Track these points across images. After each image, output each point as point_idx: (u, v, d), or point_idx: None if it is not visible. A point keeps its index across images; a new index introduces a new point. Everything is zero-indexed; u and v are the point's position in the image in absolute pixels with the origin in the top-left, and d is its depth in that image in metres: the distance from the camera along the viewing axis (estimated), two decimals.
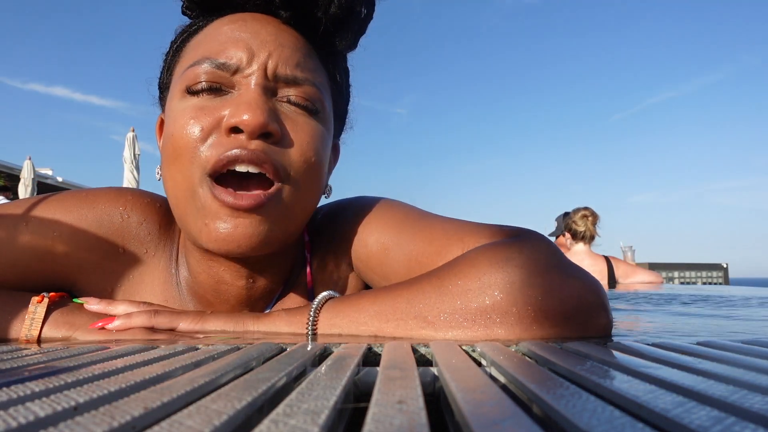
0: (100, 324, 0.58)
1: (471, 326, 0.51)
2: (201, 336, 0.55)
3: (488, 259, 0.54)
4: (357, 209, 0.72)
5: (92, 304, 0.62)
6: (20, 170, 9.20)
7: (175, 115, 0.61)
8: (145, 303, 0.64)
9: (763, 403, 0.23)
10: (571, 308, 0.52)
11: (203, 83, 0.59)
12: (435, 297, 0.53)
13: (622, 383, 0.28)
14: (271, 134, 0.58)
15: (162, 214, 0.71)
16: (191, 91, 0.60)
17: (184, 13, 0.69)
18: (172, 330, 0.58)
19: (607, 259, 3.65)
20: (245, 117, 0.56)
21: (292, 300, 0.71)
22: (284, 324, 0.57)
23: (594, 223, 3.71)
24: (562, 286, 0.53)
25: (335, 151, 0.75)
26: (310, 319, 0.56)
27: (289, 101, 0.61)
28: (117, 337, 0.56)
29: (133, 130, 8.39)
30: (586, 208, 3.79)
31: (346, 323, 0.55)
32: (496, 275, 0.52)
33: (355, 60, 0.76)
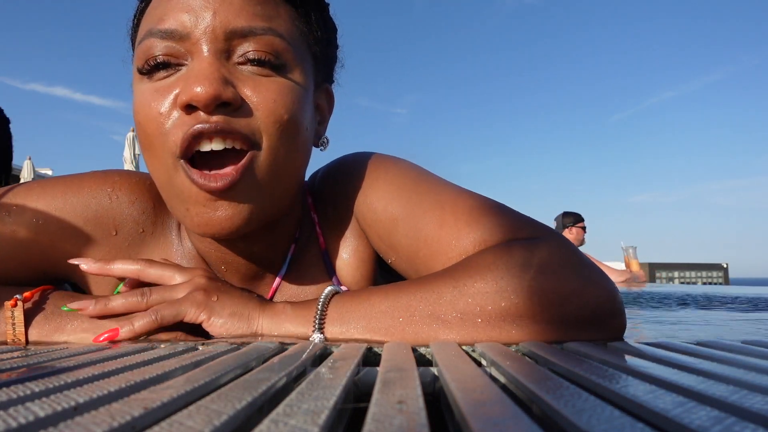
0: (104, 337, 0.55)
1: (485, 328, 0.50)
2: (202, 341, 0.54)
3: (506, 262, 0.53)
4: (360, 167, 0.69)
5: (89, 308, 0.57)
6: (20, 170, 9.21)
7: (136, 100, 0.58)
8: (142, 260, 0.60)
9: (763, 403, 0.23)
10: (587, 316, 0.52)
11: (152, 61, 0.56)
12: (450, 297, 0.52)
13: (622, 383, 0.28)
14: (229, 102, 0.54)
15: (154, 192, 0.68)
16: (143, 72, 0.57)
17: None
18: (179, 321, 0.55)
19: None
20: (196, 90, 0.52)
21: (309, 262, 0.69)
22: (289, 319, 0.55)
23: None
24: (581, 295, 0.52)
25: (327, 97, 0.71)
26: (318, 313, 0.54)
27: (247, 61, 0.56)
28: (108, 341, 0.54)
29: (133, 130, 8.36)
30: None
31: (355, 319, 0.53)
32: (514, 279, 0.51)
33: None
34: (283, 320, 0.55)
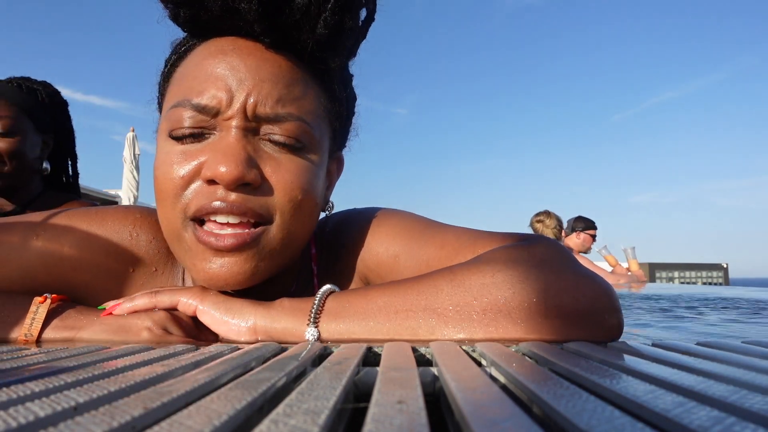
0: (108, 311, 0.60)
1: (481, 321, 0.51)
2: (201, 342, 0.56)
3: (503, 257, 0.54)
4: (363, 220, 0.72)
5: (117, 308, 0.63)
6: None
7: (160, 157, 0.61)
8: (155, 290, 0.64)
9: (763, 403, 0.23)
10: (583, 309, 0.52)
11: (184, 129, 0.59)
12: (447, 290, 0.53)
13: (622, 383, 0.28)
14: (250, 183, 0.57)
15: None
16: (173, 137, 0.60)
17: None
18: (173, 308, 0.60)
19: None
20: (222, 169, 0.55)
21: None
22: (286, 311, 0.56)
23: (550, 226, 3.86)
24: (576, 288, 0.53)
25: (338, 164, 0.74)
26: (314, 307, 0.55)
27: (271, 140, 0.60)
28: (121, 340, 0.57)
29: (133, 130, 8.38)
30: (538, 214, 3.97)
31: (351, 314, 0.54)
32: (511, 273, 0.52)
33: (355, 58, 0.73)
34: (279, 313, 0.56)
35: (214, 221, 0.58)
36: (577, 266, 0.56)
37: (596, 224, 4.29)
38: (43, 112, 1.45)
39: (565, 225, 4.23)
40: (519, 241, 0.61)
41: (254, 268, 0.59)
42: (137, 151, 8.23)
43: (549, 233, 3.86)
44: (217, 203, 0.57)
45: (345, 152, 0.76)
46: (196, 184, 0.59)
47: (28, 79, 1.48)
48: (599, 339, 0.52)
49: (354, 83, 0.74)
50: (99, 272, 0.67)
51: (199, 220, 0.59)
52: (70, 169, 1.57)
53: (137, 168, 8.18)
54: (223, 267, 0.58)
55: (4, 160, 1.36)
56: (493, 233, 0.65)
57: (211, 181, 0.57)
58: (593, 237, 4.29)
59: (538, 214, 4.03)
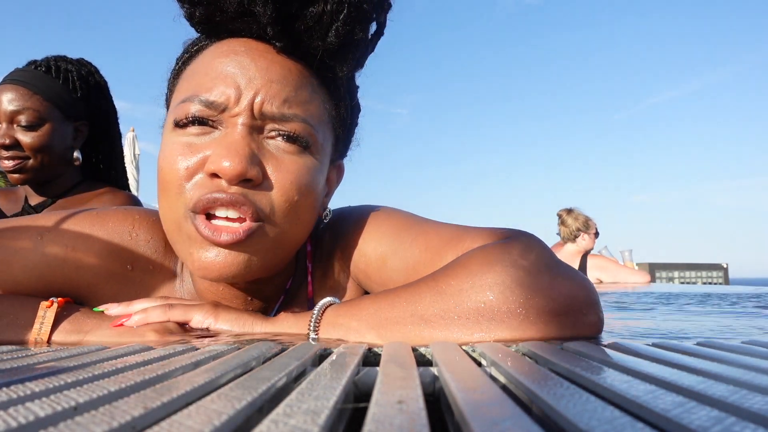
0: (120, 322, 0.60)
1: (465, 324, 0.53)
2: (210, 336, 0.58)
3: (479, 260, 0.56)
4: (357, 219, 0.73)
5: (112, 309, 0.64)
6: None
7: (165, 148, 0.62)
8: (161, 297, 0.66)
9: (763, 403, 0.23)
10: (561, 306, 0.54)
11: (190, 118, 0.60)
12: (430, 297, 0.55)
13: (622, 383, 0.28)
14: (252, 180, 0.59)
15: None
16: (179, 125, 0.61)
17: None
18: (186, 323, 0.61)
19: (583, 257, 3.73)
20: (225, 164, 0.57)
21: (293, 310, 0.72)
22: (289, 325, 0.59)
23: (563, 223, 3.74)
24: (552, 285, 0.54)
25: (338, 171, 0.75)
26: (313, 317, 0.58)
27: (276, 137, 0.61)
28: (128, 340, 0.58)
29: (133, 130, 8.37)
30: (559, 211, 3.84)
31: (346, 322, 0.57)
32: (487, 276, 0.54)
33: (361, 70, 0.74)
34: (284, 326, 0.60)
35: (214, 215, 0.60)
36: (555, 264, 0.57)
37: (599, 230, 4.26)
38: (73, 98, 1.33)
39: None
40: (500, 238, 0.62)
41: (247, 261, 0.61)
42: (137, 151, 8.22)
43: (567, 232, 3.72)
44: (217, 194, 0.58)
45: (346, 160, 0.77)
46: (199, 177, 0.60)
47: (61, 59, 1.36)
48: (580, 335, 0.54)
49: (355, 84, 0.74)
50: (101, 271, 0.69)
51: (200, 212, 0.60)
52: (111, 155, 1.46)
53: (137, 168, 8.18)
54: (218, 257, 0.60)
55: (28, 154, 1.28)
56: (474, 230, 0.66)
57: (214, 175, 0.59)
58: (596, 234, 4.26)
59: (559, 211, 3.81)
